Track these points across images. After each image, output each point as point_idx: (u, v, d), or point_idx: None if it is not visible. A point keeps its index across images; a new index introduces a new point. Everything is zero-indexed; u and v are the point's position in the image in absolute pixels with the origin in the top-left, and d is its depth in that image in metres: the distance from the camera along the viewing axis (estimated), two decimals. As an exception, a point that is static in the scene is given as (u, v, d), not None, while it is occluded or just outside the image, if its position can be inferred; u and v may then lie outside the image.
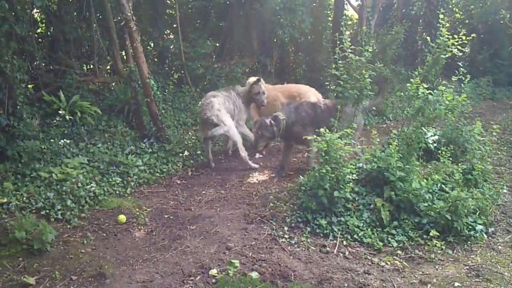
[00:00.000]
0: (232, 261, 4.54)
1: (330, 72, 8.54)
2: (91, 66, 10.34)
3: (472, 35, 7.54)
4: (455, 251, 5.08)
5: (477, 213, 5.53)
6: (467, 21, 18.04)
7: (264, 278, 4.35)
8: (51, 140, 7.12)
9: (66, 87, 8.69)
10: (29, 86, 7.78)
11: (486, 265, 4.77)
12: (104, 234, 5.22)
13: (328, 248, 5.06)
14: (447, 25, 7.00)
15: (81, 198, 5.75)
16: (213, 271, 4.43)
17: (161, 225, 5.54)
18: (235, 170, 7.50)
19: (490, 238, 5.40)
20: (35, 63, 8.91)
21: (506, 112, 13.59)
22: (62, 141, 7.22)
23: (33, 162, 6.25)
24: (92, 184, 6.09)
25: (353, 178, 5.99)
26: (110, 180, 6.46)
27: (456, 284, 4.39)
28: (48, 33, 9.90)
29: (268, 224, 5.55)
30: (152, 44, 12.12)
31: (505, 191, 6.66)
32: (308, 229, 5.42)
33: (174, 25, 11.49)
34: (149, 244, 5.04)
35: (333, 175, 5.55)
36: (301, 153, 8.32)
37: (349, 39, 7.91)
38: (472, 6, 17.96)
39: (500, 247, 5.19)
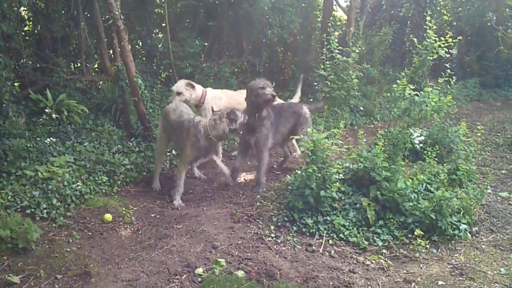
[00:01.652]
0: (218, 260, 4.54)
1: (318, 72, 8.63)
2: (79, 65, 10.27)
3: (458, 37, 7.66)
4: (439, 250, 5.13)
5: (462, 213, 5.58)
6: (454, 23, 18.25)
7: (250, 277, 4.36)
8: (37, 139, 7.06)
9: (53, 86, 8.62)
10: (15, 84, 7.70)
11: (469, 264, 4.82)
12: (90, 233, 5.19)
13: (314, 247, 5.09)
14: (434, 27, 7.04)
15: (67, 197, 5.71)
16: (199, 270, 4.43)
17: (148, 224, 5.53)
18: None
19: (474, 237, 5.46)
20: (21, 61, 8.82)
21: (492, 113, 13.76)
22: (48, 139, 7.16)
23: (18, 160, 6.19)
24: (78, 183, 6.05)
25: (340, 177, 6.03)
26: (97, 179, 6.42)
27: (440, 282, 4.44)
28: (35, 31, 9.82)
29: (255, 223, 5.56)
30: (140, 43, 12.07)
31: (489, 191, 6.75)
32: (295, 228, 5.45)
33: (163, 24, 11.46)
34: (135, 243, 5.03)
35: (319, 175, 5.58)
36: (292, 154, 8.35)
37: (336, 40, 7.97)
38: (460, 8, 18.17)
39: (483, 246, 5.25)
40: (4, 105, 6.41)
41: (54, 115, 7.81)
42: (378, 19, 16.55)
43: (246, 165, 7.52)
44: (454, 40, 6.85)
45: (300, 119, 7.07)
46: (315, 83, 12.01)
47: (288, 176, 6.47)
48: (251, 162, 7.79)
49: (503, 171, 7.95)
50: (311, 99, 11.89)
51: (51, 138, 7.26)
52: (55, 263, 4.48)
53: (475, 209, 5.87)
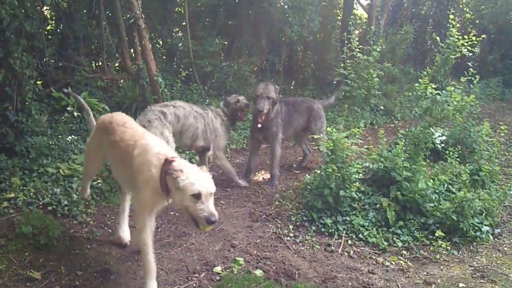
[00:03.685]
0: (237, 258, 4.55)
1: (338, 71, 8.57)
2: (100, 63, 10.40)
3: (482, 35, 7.51)
4: (460, 252, 5.06)
5: (484, 214, 5.50)
6: (477, 21, 17.95)
7: (268, 276, 4.36)
8: (59, 136, 7.15)
9: (75, 84, 8.73)
10: (38, 82, 7.83)
11: (491, 266, 4.75)
12: (110, 230, 5.23)
13: (333, 247, 5.06)
14: (457, 25, 6.93)
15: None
16: (218, 269, 4.44)
17: (167, 222, 5.55)
18: (242, 168, 7.50)
19: (496, 239, 5.37)
20: (44, 60, 8.96)
21: (516, 113, 13.50)
22: (69, 137, 7.25)
23: (40, 158, 6.28)
24: (98, 181, 6.12)
25: (359, 177, 5.99)
26: (117, 176, 6.48)
27: (461, 285, 4.37)
28: (58, 30, 9.96)
29: (273, 223, 5.55)
30: (160, 42, 12.16)
31: (512, 192, 6.62)
32: (313, 228, 5.43)
33: (183, 23, 11.52)
34: (154, 240, 5.00)
35: (339, 174, 5.55)
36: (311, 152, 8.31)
37: (357, 39, 7.92)
38: (482, 6, 17.87)
39: (506, 249, 5.16)
40: (27, 103, 6.50)
41: (75, 113, 7.92)
42: (399, 17, 16.37)
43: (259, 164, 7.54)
44: (477, 39, 6.74)
45: (313, 114, 7.18)
46: (334, 82, 11.93)
47: (307, 175, 6.44)
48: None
49: (527, 172, 7.79)
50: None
51: (73, 136, 7.36)
52: (76, 259, 4.53)
53: (497, 211, 5.78)
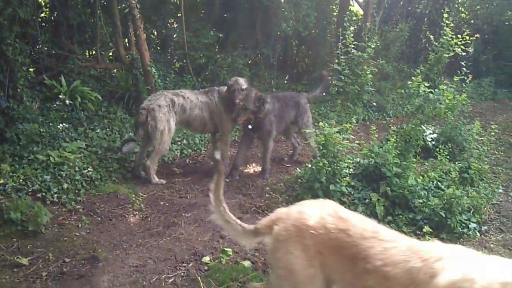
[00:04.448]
0: (225, 249, 4.56)
1: (332, 66, 8.59)
2: (94, 52, 10.33)
3: (475, 35, 7.54)
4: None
5: (471, 211, 5.54)
6: (472, 21, 18.00)
7: (256, 267, 4.38)
8: (50, 124, 7.13)
9: (68, 72, 8.69)
10: (31, 69, 7.78)
11: (478, 263, 4.78)
12: (99, 219, 5.24)
13: (321, 241, 5.07)
14: (451, 24, 6.95)
15: (77, 182, 5.78)
16: (206, 259, 4.46)
17: (156, 211, 5.56)
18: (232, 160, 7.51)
19: (483, 236, 5.41)
20: (37, 47, 8.91)
21: (507, 113, 13.59)
22: (61, 125, 7.24)
23: (31, 145, 6.26)
24: (89, 169, 6.12)
25: (350, 172, 6.01)
26: (108, 165, 6.49)
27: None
28: (52, 17, 9.88)
29: (263, 215, 5.54)
30: (155, 33, 12.10)
31: (500, 190, 6.66)
32: (303, 221, 5.43)
33: (178, 14, 11.47)
34: (144, 229, 5.07)
35: (329, 169, 5.57)
36: (300, 146, 8.33)
37: (352, 35, 7.93)
38: (478, 6, 17.90)
39: (492, 245, 5.20)
40: (18, 90, 6.47)
41: (67, 101, 7.89)
42: (395, 15, 16.36)
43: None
44: (471, 38, 6.76)
45: (300, 109, 7.20)
46: (329, 77, 11.94)
47: (298, 169, 6.46)
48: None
49: (515, 172, 7.86)
50: (324, 93, 11.84)
51: (64, 124, 7.34)
52: (64, 246, 4.53)
53: (485, 208, 5.83)
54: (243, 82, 6.78)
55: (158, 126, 6.35)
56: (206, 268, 4.31)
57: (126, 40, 9.42)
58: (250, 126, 6.62)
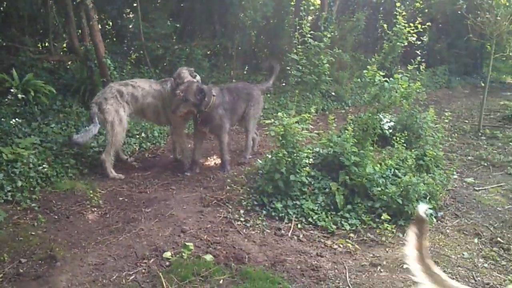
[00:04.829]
0: (187, 243, 4.53)
1: (290, 56, 8.63)
2: (46, 44, 10.03)
3: (427, 23, 7.70)
4: (405, 234, 5.21)
5: (428, 198, 5.70)
6: (426, 10, 18.36)
7: (219, 261, 4.37)
8: (2, 119, 6.87)
9: (19, 65, 8.40)
10: (-20, 63, 7.50)
11: (434, 248, 4.93)
12: (56, 216, 5.11)
13: (282, 231, 5.12)
14: (403, 13, 7.09)
15: (32, 180, 5.61)
16: (167, 254, 4.41)
17: (115, 207, 5.46)
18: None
19: (439, 222, 5.58)
20: (-14, 39, 8.59)
21: (461, 100, 14.03)
22: (13, 120, 6.97)
23: (-18, 141, 6.03)
24: (44, 165, 5.93)
25: (310, 162, 6.06)
26: (64, 161, 6.31)
27: (405, 266, 4.51)
28: (1, 8, 9.52)
29: (224, 207, 5.55)
30: (110, 23, 11.83)
31: (455, 176, 6.89)
32: (264, 212, 5.47)
33: (134, 4, 11.23)
34: (103, 226, 4.97)
35: (289, 159, 5.60)
36: (260, 137, 8.34)
37: (308, 24, 7.96)
38: (431, -4, 18.28)
39: (448, 231, 5.37)
40: (-34, 84, 6.21)
41: (20, 95, 7.60)
42: (351, 5, 16.55)
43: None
44: (423, 27, 6.91)
45: (252, 100, 7.08)
46: (287, 68, 11.98)
47: (258, 160, 6.47)
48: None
49: (469, 157, 8.12)
50: (283, 84, 11.88)
51: (17, 119, 7.08)
52: (20, 246, 4.40)
53: (441, 195, 6.00)
54: (186, 75, 6.60)
55: (107, 118, 6.35)
56: (167, 263, 4.27)
57: (80, 31, 9.16)
58: (198, 120, 6.45)
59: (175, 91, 6.35)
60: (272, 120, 5.84)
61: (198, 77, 6.81)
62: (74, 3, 8.83)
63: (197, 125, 6.61)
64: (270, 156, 5.89)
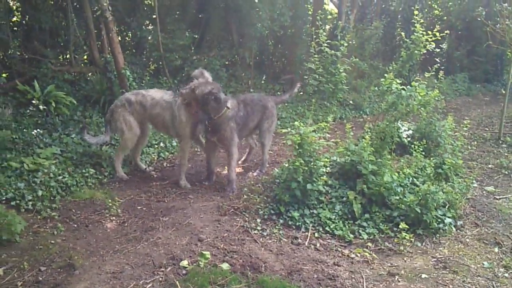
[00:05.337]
0: (203, 252, 4.54)
1: (307, 65, 8.65)
2: (67, 56, 10.21)
3: (446, 31, 7.65)
4: (423, 244, 5.17)
5: (447, 207, 5.63)
6: (445, 17, 18.25)
7: (235, 270, 4.37)
8: (24, 130, 7.02)
9: (41, 77, 8.57)
10: (3, 75, 7.66)
11: (453, 257, 4.87)
12: (75, 225, 5.18)
13: (299, 240, 5.10)
14: (421, 21, 7.06)
15: (52, 189, 5.70)
16: (184, 263, 4.43)
17: (134, 216, 5.52)
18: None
19: (458, 231, 5.50)
20: (9, 52, 8.77)
21: (481, 108, 13.83)
22: (35, 131, 7.12)
23: (4, 151, 6.15)
24: (64, 175, 6.03)
25: (327, 171, 6.05)
26: (83, 171, 6.40)
27: (424, 275, 4.47)
28: (24, 21, 9.74)
29: (241, 216, 5.56)
30: (130, 35, 12.00)
31: (475, 185, 6.80)
32: (281, 221, 5.46)
33: (153, 16, 11.39)
34: (121, 235, 5.02)
35: (306, 168, 5.59)
36: (277, 146, 8.35)
37: (325, 34, 7.98)
38: (450, 3, 18.17)
39: (467, 240, 5.29)
40: (-10, 96, 6.37)
41: (41, 107, 7.77)
42: (369, 13, 16.54)
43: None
44: (441, 34, 6.86)
45: (267, 113, 6.90)
46: (304, 77, 12.00)
47: (275, 169, 6.48)
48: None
49: (489, 166, 8.00)
50: (301, 93, 11.89)
51: (38, 130, 7.23)
52: (39, 255, 4.47)
53: (460, 203, 5.92)
54: (207, 76, 6.49)
55: (117, 125, 6.67)
56: (184, 272, 4.29)
57: (100, 43, 9.32)
58: (208, 128, 6.31)
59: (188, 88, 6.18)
60: (289, 129, 5.85)
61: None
62: (94, 15, 8.99)
63: (207, 134, 6.51)
64: (287, 165, 5.89)
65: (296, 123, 5.82)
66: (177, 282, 4.06)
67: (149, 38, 11.40)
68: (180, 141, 6.73)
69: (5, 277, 4.07)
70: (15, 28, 9.63)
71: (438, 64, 7.15)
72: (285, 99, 7.85)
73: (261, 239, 5.06)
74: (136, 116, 6.64)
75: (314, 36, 7.25)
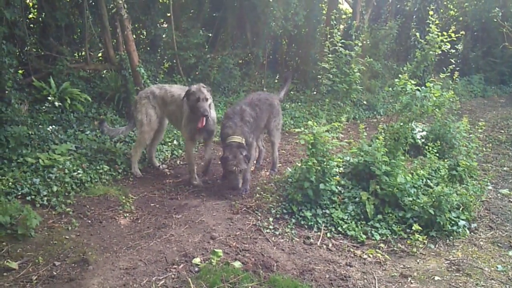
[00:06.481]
0: (216, 250, 4.56)
1: (321, 65, 8.64)
2: (83, 53, 10.27)
3: (461, 32, 7.58)
4: (437, 246, 5.14)
5: (461, 209, 5.59)
6: (461, 18, 18.09)
7: (247, 268, 4.38)
8: (39, 126, 7.10)
9: (57, 74, 8.63)
10: (19, 71, 7.72)
11: (467, 260, 4.83)
12: (89, 221, 5.23)
13: (311, 240, 5.10)
14: (437, 22, 7.00)
15: (67, 185, 5.76)
16: (197, 260, 4.46)
17: (147, 213, 5.56)
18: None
19: (472, 233, 5.47)
20: (25, 49, 8.83)
21: (496, 110, 13.70)
22: (50, 127, 7.20)
23: (20, 147, 6.22)
24: (79, 171, 6.09)
25: (340, 171, 6.04)
26: (98, 167, 6.45)
27: (436, 278, 4.45)
28: (40, 18, 9.81)
29: (254, 215, 5.58)
30: (144, 33, 12.05)
31: (489, 187, 6.74)
32: (293, 220, 5.47)
33: (168, 14, 11.42)
34: (134, 231, 5.06)
35: (319, 168, 5.59)
36: (290, 145, 8.35)
37: (339, 33, 7.94)
38: (466, 4, 17.99)
39: (481, 243, 5.25)
40: (6, 92, 6.43)
41: (57, 103, 7.84)
42: (384, 13, 16.42)
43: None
44: (457, 35, 6.80)
45: (274, 111, 6.91)
46: (318, 76, 11.97)
47: (288, 168, 6.48)
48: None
49: (504, 168, 7.93)
50: (314, 92, 11.88)
51: (53, 126, 7.31)
52: (54, 250, 4.52)
53: (474, 206, 5.88)
54: (206, 92, 6.11)
55: (137, 116, 6.72)
56: (196, 269, 4.31)
57: (115, 40, 9.37)
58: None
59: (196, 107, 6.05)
60: (302, 128, 5.84)
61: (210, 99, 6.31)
62: (110, 13, 9.04)
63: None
64: (300, 165, 5.89)
65: (309, 122, 5.82)
66: (190, 279, 4.08)
67: (164, 36, 11.43)
68: (185, 141, 6.84)
69: (20, 271, 4.12)
70: (32, 25, 9.71)
71: (453, 65, 7.06)
72: (286, 91, 7.81)
73: (273, 238, 5.07)
74: (157, 110, 6.72)
75: (328, 36, 7.22)
